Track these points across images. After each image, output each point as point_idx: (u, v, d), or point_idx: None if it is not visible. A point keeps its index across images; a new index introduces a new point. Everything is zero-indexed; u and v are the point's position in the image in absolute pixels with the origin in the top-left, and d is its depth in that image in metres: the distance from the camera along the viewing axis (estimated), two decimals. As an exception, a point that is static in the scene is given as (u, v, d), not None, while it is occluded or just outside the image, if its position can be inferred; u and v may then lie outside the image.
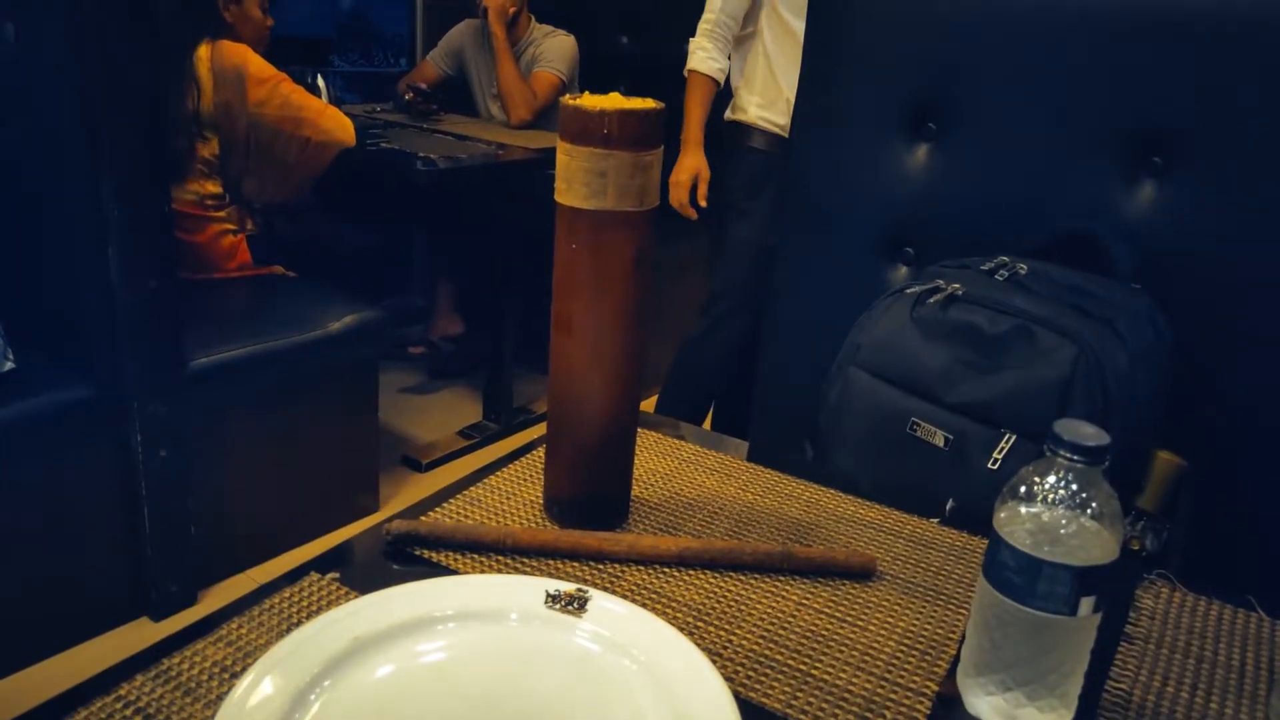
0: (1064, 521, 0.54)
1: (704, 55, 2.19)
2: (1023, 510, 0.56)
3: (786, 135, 2.09)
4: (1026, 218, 1.17)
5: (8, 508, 1.61)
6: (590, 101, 0.69)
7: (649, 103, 0.70)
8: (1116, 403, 0.96)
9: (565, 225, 0.71)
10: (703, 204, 2.23)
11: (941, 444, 1.02)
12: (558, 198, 0.71)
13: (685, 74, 2.23)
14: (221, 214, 2.21)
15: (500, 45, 2.79)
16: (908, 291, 1.09)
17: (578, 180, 0.69)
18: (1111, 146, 1.11)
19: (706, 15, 2.20)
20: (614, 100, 0.69)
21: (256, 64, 2.12)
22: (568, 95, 0.70)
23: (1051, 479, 0.55)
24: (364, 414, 2.20)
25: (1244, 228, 1.06)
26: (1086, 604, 0.54)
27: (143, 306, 1.71)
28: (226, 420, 1.91)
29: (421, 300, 2.98)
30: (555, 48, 2.88)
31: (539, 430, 2.63)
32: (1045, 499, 0.55)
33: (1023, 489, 0.56)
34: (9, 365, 1.63)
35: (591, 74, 2.98)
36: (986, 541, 0.79)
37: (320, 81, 2.61)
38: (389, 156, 2.37)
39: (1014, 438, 0.98)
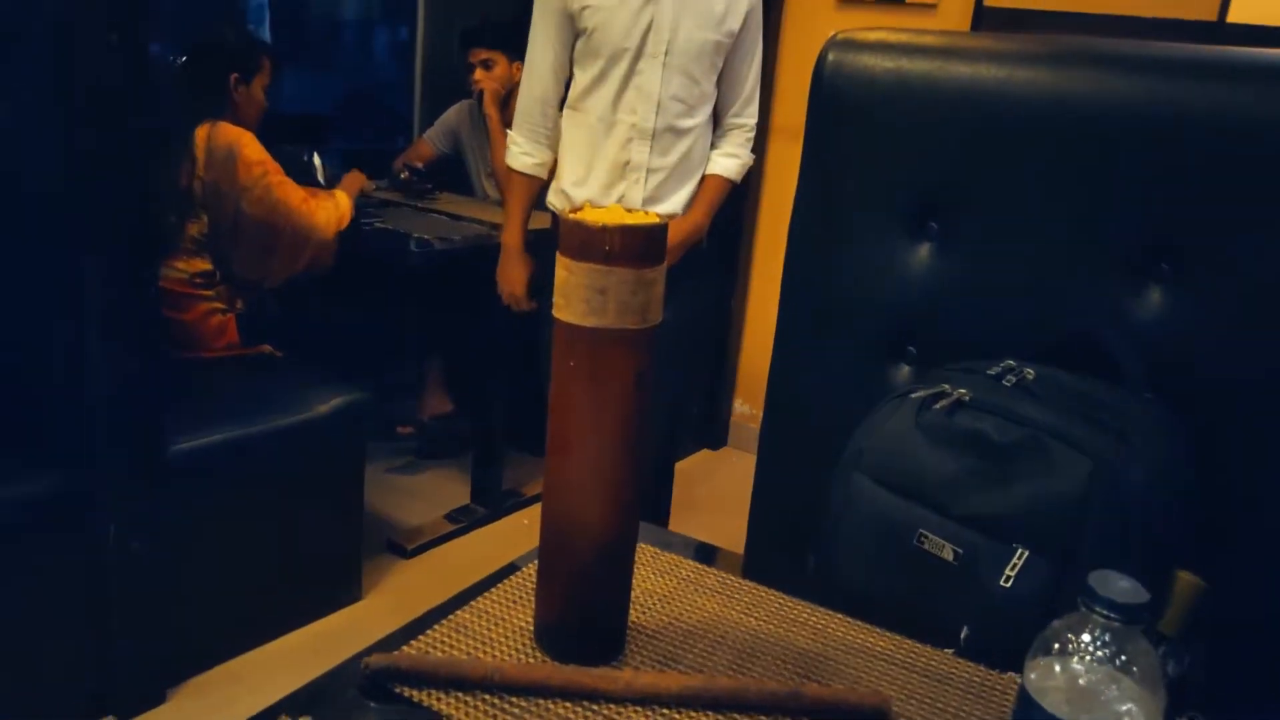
0: (1102, 684, 0.50)
1: (515, 150, 2.05)
2: (1056, 669, 0.52)
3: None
4: (1032, 320, 1.15)
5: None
6: (591, 216, 0.66)
7: (651, 217, 0.67)
8: (1134, 521, 0.92)
9: (563, 342, 0.68)
10: (530, 304, 2.12)
11: (950, 558, 0.97)
12: (556, 313, 0.68)
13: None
14: (210, 292, 2.19)
15: (494, 126, 2.81)
16: (912, 396, 1.05)
17: (577, 296, 0.66)
18: (1117, 252, 1.10)
19: (517, 105, 2.06)
20: (615, 214, 0.67)
21: (250, 147, 2.13)
22: (568, 208, 0.67)
23: (1087, 637, 0.51)
24: (349, 500, 2.14)
25: (1258, 336, 1.03)
26: (1128, 775, 0.50)
27: (123, 388, 1.67)
28: (205, 508, 1.85)
29: (411, 379, 2.94)
30: None
31: (529, 514, 2.56)
32: (1080, 658, 0.51)
33: (1055, 645, 0.52)
34: (-19, 452, 1.58)
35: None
36: (1005, 677, 0.75)
37: (316, 160, 2.61)
38: (382, 236, 2.35)
39: (1027, 554, 0.94)
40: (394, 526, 2.50)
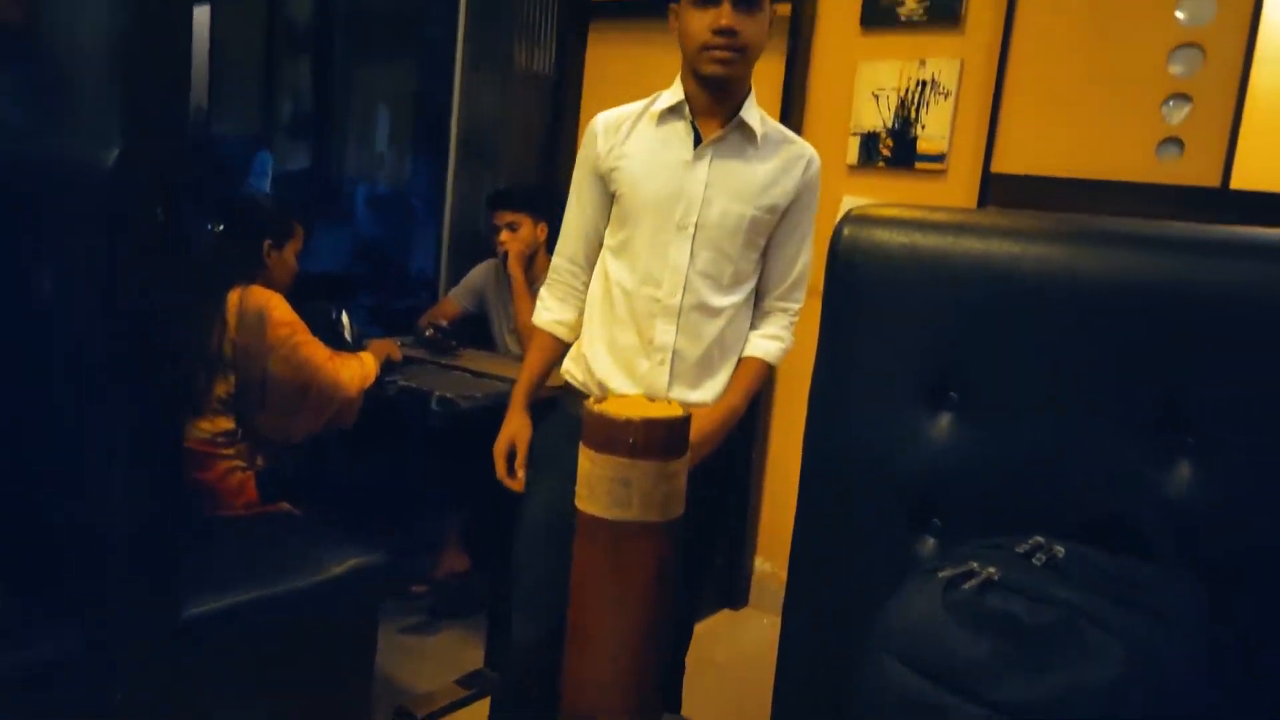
0: None
1: (540, 307, 1.98)
2: None
3: (584, 390, 1.90)
4: (1058, 492, 1.13)
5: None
6: (615, 407, 0.67)
7: (675, 408, 0.68)
8: (1173, 708, 0.89)
9: (586, 534, 0.68)
10: (519, 473, 1.95)
11: (985, 749, 0.93)
12: (579, 504, 0.68)
13: None
14: (231, 450, 2.21)
15: (518, 287, 2.89)
16: (940, 574, 1.03)
17: (600, 488, 0.66)
18: (1140, 423, 1.09)
19: (551, 262, 2.01)
20: (639, 405, 0.68)
21: (279, 309, 2.19)
22: (591, 400, 0.68)
23: None
24: (360, 665, 2.08)
25: (1287, 511, 1.02)
26: None
27: (141, 550, 1.66)
28: (215, 672, 1.81)
29: (429, 536, 2.91)
30: None
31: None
32: None
33: None
34: (-7, 617, 1.56)
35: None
36: None
37: (345, 318, 2.68)
38: (405, 393, 2.39)
39: (1066, 746, 0.89)
40: (404, 692, 2.42)
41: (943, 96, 2.79)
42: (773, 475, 3.15)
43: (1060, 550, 1.03)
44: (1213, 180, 2.37)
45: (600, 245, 1.89)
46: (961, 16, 2.74)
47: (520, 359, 2.88)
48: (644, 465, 0.65)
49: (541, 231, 2.99)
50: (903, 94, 2.85)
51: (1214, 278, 1.08)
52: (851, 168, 2.97)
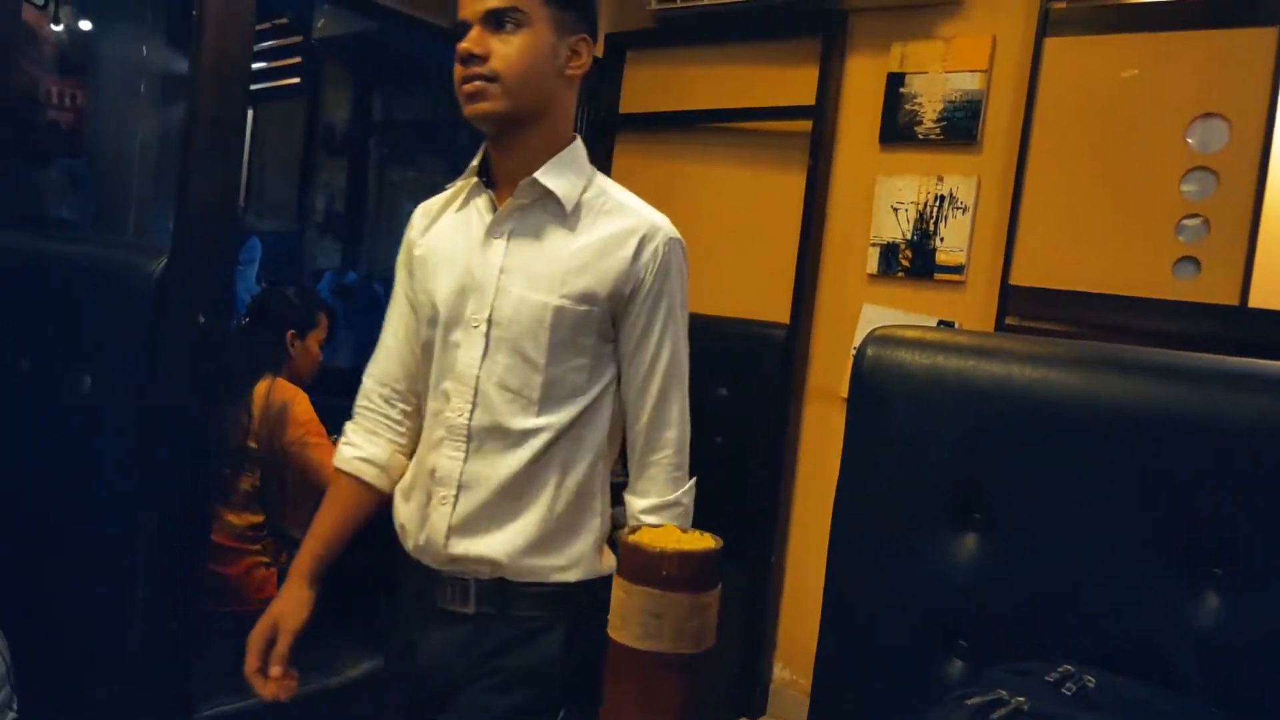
0: None
1: (341, 442, 1.52)
2: None
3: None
4: (1085, 616, 1.13)
5: None
6: (649, 538, 0.69)
7: (708, 540, 0.70)
8: None
9: (616, 662, 0.68)
10: (273, 671, 1.48)
11: None
12: (611, 633, 0.69)
13: None
14: (257, 546, 2.22)
15: None
16: (968, 703, 1.02)
17: (633, 619, 0.67)
18: (1167, 552, 1.09)
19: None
20: (672, 537, 0.70)
21: (301, 406, 2.24)
22: (626, 530, 0.70)
23: None
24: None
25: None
26: None
27: (155, 652, 1.66)
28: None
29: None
30: None
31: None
32: None
33: None
34: (12, 716, 1.55)
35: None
36: None
37: None
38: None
39: None
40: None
41: (960, 210, 2.86)
42: (792, 580, 3.11)
43: (1091, 680, 1.02)
44: (1231, 299, 2.40)
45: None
46: (978, 136, 2.83)
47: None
48: (676, 598, 0.66)
49: None
50: (921, 207, 2.93)
51: (1236, 411, 1.09)
52: (872, 276, 3.03)
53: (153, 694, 1.64)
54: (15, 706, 1.56)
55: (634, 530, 0.69)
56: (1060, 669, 1.05)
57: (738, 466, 3.05)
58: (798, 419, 3.15)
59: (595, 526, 1.37)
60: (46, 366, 1.73)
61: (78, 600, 1.72)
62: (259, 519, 2.21)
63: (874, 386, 1.34)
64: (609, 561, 1.35)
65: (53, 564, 1.78)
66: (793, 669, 3.06)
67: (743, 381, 3.14)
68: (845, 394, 2.92)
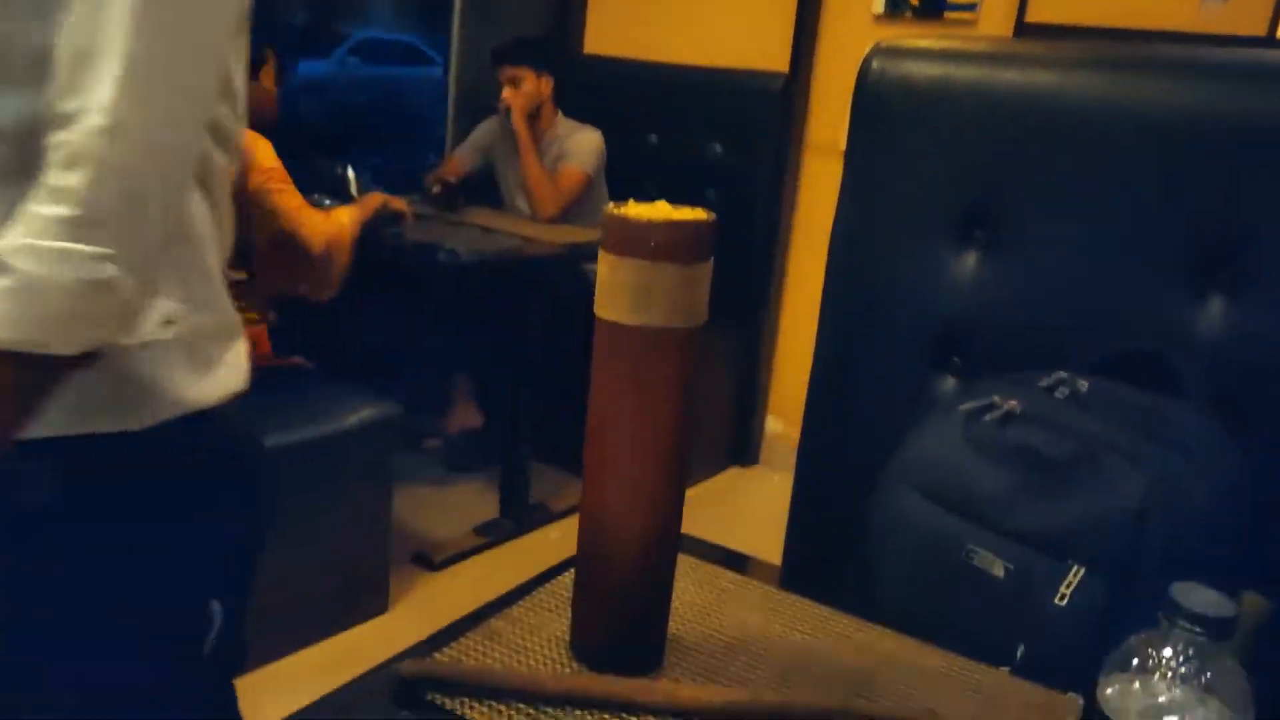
0: (1184, 704, 0.47)
1: None
2: (1135, 687, 0.48)
3: None
4: (1085, 330, 1.11)
5: None
6: (636, 211, 0.64)
7: (699, 213, 0.65)
8: (1196, 539, 0.88)
9: (605, 342, 0.65)
10: None
11: (1001, 574, 0.93)
12: (598, 311, 0.65)
13: None
14: (244, 303, 2.18)
15: (524, 143, 2.81)
16: (960, 408, 1.02)
17: (621, 294, 0.63)
18: (1174, 259, 1.06)
19: None
20: (661, 210, 0.65)
21: (264, 153, 2.11)
22: (612, 204, 0.65)
23: (1168, 652, 0.48)
24: (377, 511, 2.13)
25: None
26: (1215, 804, 0.46)
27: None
28: (235, 516, 1.85)
29: (439, 392, 2.93)
30: (581, 144, 2.90)
31: (558, 528, 2.50)
32: (1161, 675, 0.47)
33: (1134, 661, 0.49)
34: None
35: (619, 172, 2.99)
36: (1066, 697, 0.71)
37: (350, 173, 2.61)
38: (413, 247, 2.35)
39: (1082, 571, 0.90)
40: (421, 539, 2.48)
41: (977, -63, 2.63)
42: (786, 336, 3.13)
43: (1084, 384, 1.01)
44: (1259, 29, 2.26)
45: None
46: None
47: (531, 219, 2.84)
48: (666, 268, 0.62)
49: (546, 86, 2.88)
50: (934, -65, 2.69)
51: (1270, 107, 1.02)
52: (878, 17, 2.83)
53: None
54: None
55: (621, 206, 0.64)
56: (1054, 376, 1.04)
57: (733, 225, 2.97)
58: (795, 174, 3.05)
59: None
60: None
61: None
62: (241, 275, 2.16)
63: (878, 101, 1.26)
64: None
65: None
66: (785, 421, 3.14)
67: (738, 137, 3.01)
68: (844, 148, 2.81)
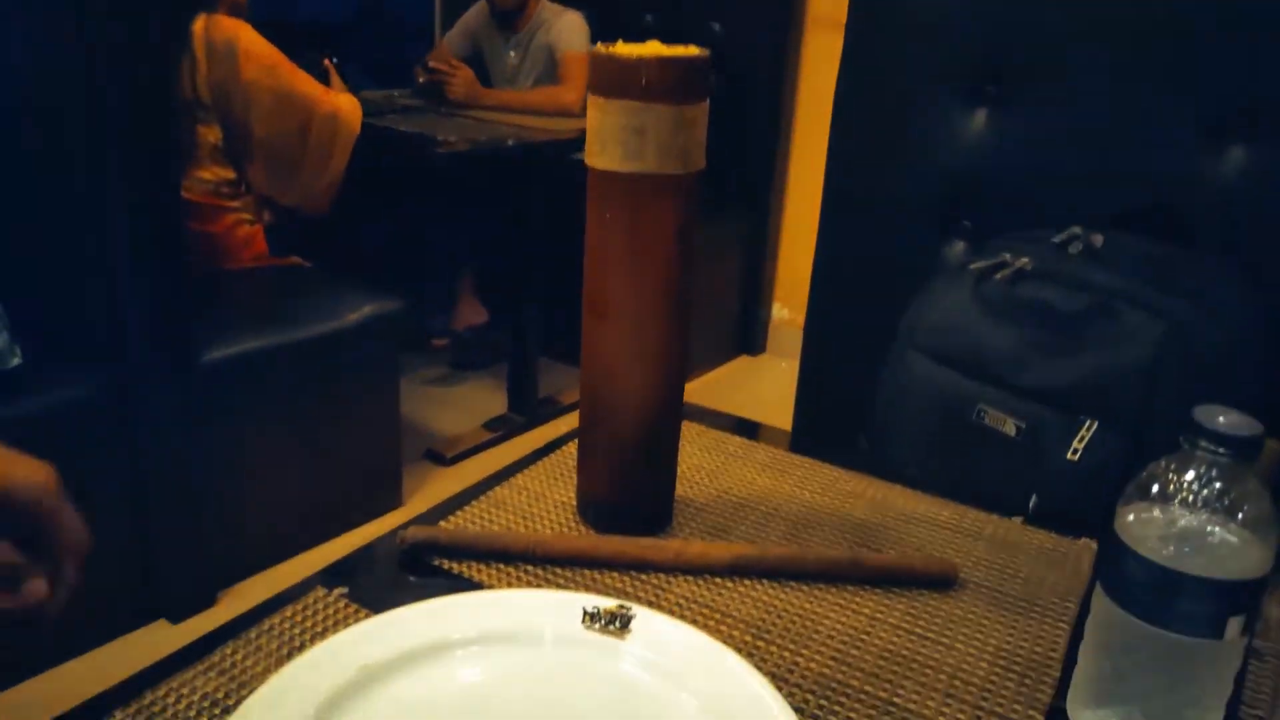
0: (1207, 527, 0.45)
1: None
2: (1155, 513, 0.47)
3: None
4: (1099, 187, 1.07)
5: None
6: (626, 49, 0.60)
7: (692, 49, 0.61)
8: (1211, 385, 0.86)
9: (598, 192, 0.62)
10: None
11: (1013, 432, 0.92)
12: (589, 160, 0.62)
13: None
14: (237, 203, 2.13)
15: (503, 98, 2.72)
16: (970, 267, 0.99)
17: (612, 139, 0.60)
18: (1193, 111, 1.01)
19: None
20: (653, 48, 0.61)
21: (248, 38, 2.01)
22: (600, 44, 0.61)
23: (1190, 475, 0.46)
24: (385, 408, 2.12)
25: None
26: (1234, 625, 0.45)
27: (151, 299, 1.65)
28: (240, 416, 1.84)
29: (443, 290, 2.90)
30: (571, 26, 2.79)
31: (566, 422, 2.51)
32: (1183, 500, 0.46)
33: (1154, 487, 0.47)
34: (15, 361, 1.57)
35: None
36: (1079, 544, 0.70)
37: (329, 64, 2.53)
38: (406, 139, 2.29)
39: (1095, 425, 0.88)
40: (433, 436, 2.50)
41: None
42: (790, 222, 3.08)
43: (1098, 238, 0.98)
44: None
45: None
46: None
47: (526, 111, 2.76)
48: (660, 109, 0.58)
49: None
50: None
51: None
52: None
53: (155, 338, 1.65)
54: (18, 352, 1.57)
55: (609, 46, 0.60)
56: (1067, 231, 1.01)
57: (734, 107, 2.89)
58: (798, 51, 2.94)
59: None
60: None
61: (65, 264, 1.68)
62: (231, 174, 2.10)
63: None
64: None
65: (26, 219, 1.71)
66: (791, 309, 3.11)
67: (737, 13, 2.89)
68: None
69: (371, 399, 2.10)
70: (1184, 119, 1.03)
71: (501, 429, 2.53)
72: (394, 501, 2.18)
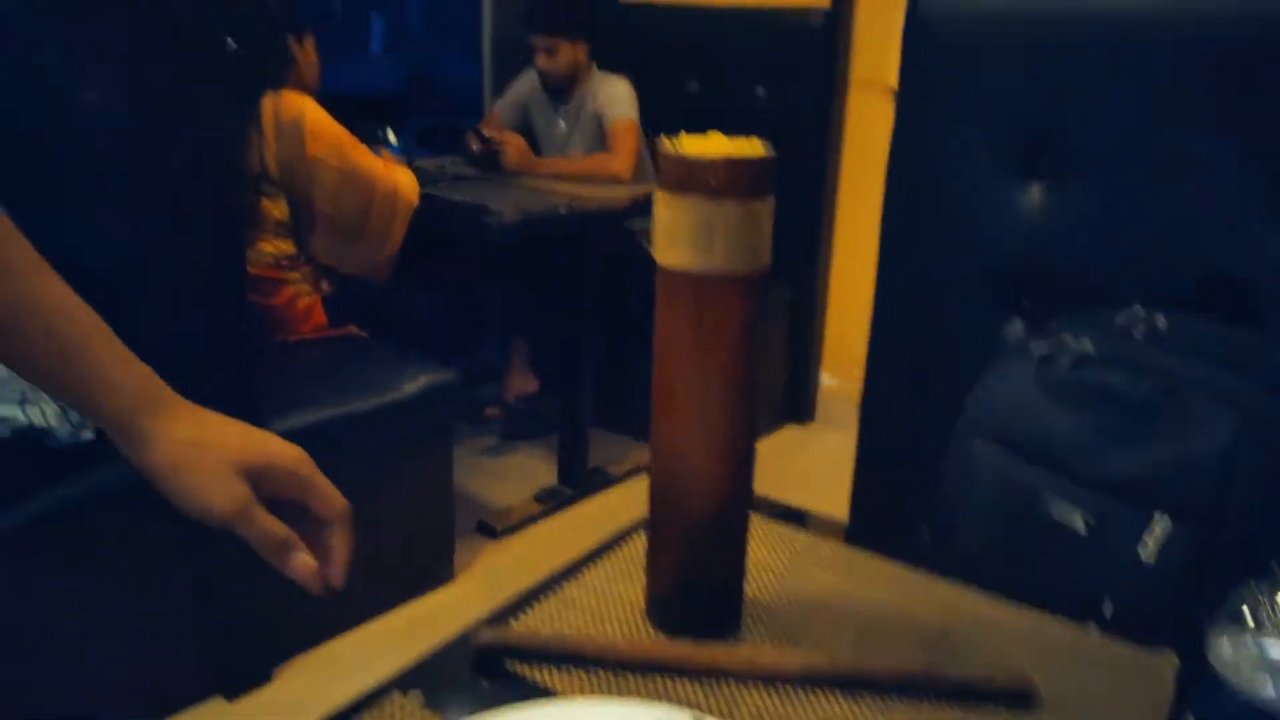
0: (1306, 658, 0.44)
1: None
2: (1248, 642, 0.45)
3: None
4: (1160, 264, 1.06)
5: (81, 582, 1.58)
6: (691, 145, 0.61)
7: (756, 143, 0.62)
8: (1289, 478, 0.84)
9: (666, 289, 0.63)
10: None
11: (1081, 526, 0.90)
12: (657, 256, 0.63)
13: None
14: (296, 275, 2.19)
15: (555, 167, 2.79)
16: (1032, 351, 0.98)
17: (681, 236, 0.61)
18: (1264, 187, 1.00)
19: None
20: (716, 141, 0.62)
21: (314, 115, 2.09)
22: (666, 140, 0.62)
23: (1285, 602, 0.45)
24: (439, 480, 2.14)
25: None
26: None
27: (220, 373, 1.69)
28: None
29: (496, 359, 2.93)
30: (618, 93, 2.83)
31: (616, 494, 2.49)
32: (1278, 627, 0.45)
33: (1245, 613, 0.46)
34: (87, 435, 1.61)
35: (659, 121, 2.93)
36: (1160, 656, 0.68)
37: (390, 136, 2.60)
38: (460, 209, 2.33)
39: (1168, 520, 0.86)
40: (483, 508, 2.50)
41: None
42: (837, 286, 3.08)
43: (1162, 320, 0.97)
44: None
45: None
46: None
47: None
48: (727, 206, 0.59)
49: (581, 52, 2.82)
50: None
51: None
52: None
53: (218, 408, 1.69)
54: (91, 425, 1.61)
55: (675, 140, 0.61)
56: (1129, 312, 1.00)
57: (780, 172, 2.91)
58: (841, 114, 2.97)
59: None
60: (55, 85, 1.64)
61: (131, 339, 1.73)
62: (291, 248, 2.17)
63: (931, 24, 1.20)
64: None
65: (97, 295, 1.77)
66: (840, 376, 3.10)
67: (780, 77, 2.93)
68: (895, 83, 2.72)
69: (426, 470, 2.12)
70: (1252, 194, 1.02)
71: (552, 501, 2.54)
72: (446, 575, 2.18)
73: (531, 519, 2.47)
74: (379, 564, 2.04)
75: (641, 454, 2.87)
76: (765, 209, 0.61)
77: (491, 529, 2.41)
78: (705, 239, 0.59)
